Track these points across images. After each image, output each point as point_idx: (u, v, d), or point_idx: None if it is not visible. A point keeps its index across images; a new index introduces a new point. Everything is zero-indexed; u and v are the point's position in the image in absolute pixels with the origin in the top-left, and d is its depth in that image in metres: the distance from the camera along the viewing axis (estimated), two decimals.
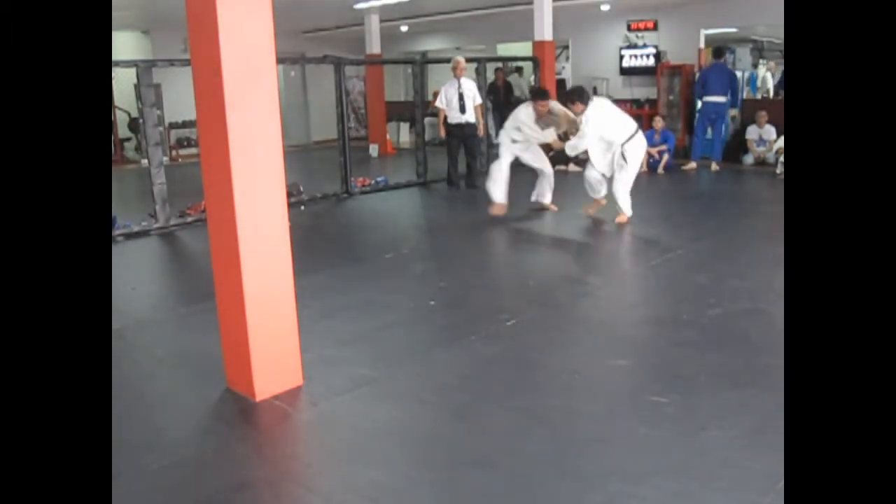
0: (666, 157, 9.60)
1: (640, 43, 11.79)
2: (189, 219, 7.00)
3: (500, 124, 12.81)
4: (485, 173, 9.63)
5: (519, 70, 14.18)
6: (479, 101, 8.57)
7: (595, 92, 10.85)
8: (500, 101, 12.66)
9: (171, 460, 2.64)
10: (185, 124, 12.78)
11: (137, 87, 6.94)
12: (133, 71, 6.82)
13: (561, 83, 12.20)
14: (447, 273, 5.17)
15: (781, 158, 8.84)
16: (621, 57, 11.95)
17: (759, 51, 14.28)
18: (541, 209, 7.00)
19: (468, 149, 8.71)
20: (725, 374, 3.17)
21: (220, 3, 2.70)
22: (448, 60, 9.00)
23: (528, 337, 3.76)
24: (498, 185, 6.74)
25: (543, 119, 6.57)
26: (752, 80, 11.81)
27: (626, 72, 11.93)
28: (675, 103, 11.05)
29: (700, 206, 7.72)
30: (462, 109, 8.39)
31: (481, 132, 8.79)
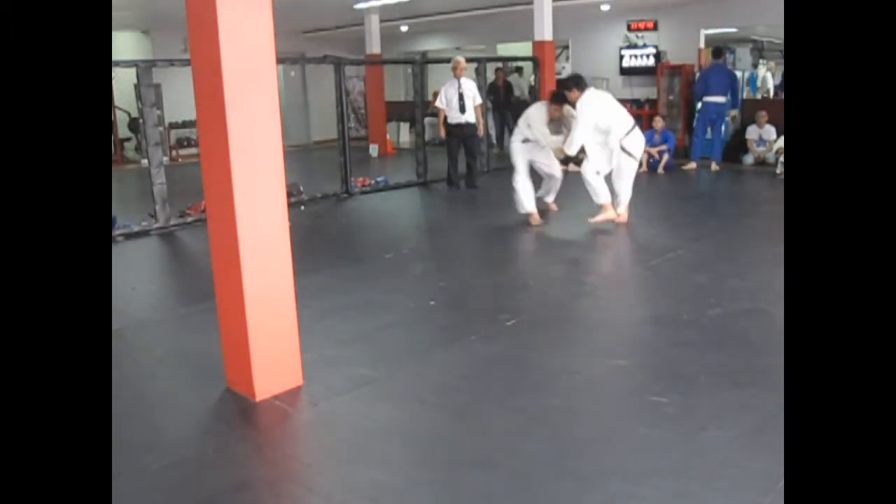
0: (666, 157, 9.60)
1: (640, 43, 11.79)
2: (189, 219, 7.00)
3: (500, 124, 12.92)
4: (485, 173, 9.72)
5: (519, 70, 14.19)
6: (479, 101, 8.57)
7: None
8: (500, 101, 12.68)
9: (171, 460, 2.64)
10: (185, 124, 12.78)
11: (137, 87, 6.94)
12: (133, 71, 6.82)
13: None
14: (447, 273, 5.18)
15: (781, 158, 8.84)
16: (621, 57, 11.96)
17: (759, 51, 14.29)
18: (542, 209, 6.97)
19: (468, 149, 8.70)
20: (725, 374, 3.17)
21: (220, 3, 2.70)
22: (448, 60, 9.00)
23: (528, 337, 3.76)
24: (526, 198, 6.55)
25: (555, 123, 6.50)
26: (752, 80, 11.82)
27: (626, 72, 11.94)
28: (675, 103, 11.06)
29: (700, 206, 7.72)
30: (462, 109, 8.39)
31: (481, 132, 8.79)
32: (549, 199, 6.98)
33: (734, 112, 10.09)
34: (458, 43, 14.88)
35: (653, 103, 11.39)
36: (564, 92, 6.32)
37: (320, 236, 6.74)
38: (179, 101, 11.09)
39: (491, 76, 11.67)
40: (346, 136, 8.56)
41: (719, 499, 2.26)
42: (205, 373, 3.33)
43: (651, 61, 11.56)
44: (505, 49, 15.28)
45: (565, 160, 6.82)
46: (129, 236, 6.56)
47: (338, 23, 13.67)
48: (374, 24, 12.69)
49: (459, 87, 8.37)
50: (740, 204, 7.69)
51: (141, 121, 6.96)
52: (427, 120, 10.19)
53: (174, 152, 12.68)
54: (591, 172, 6.17)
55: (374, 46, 12.77)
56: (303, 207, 7.86)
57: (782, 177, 8.47)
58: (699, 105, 9.87)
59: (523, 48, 12.68)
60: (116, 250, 6.03)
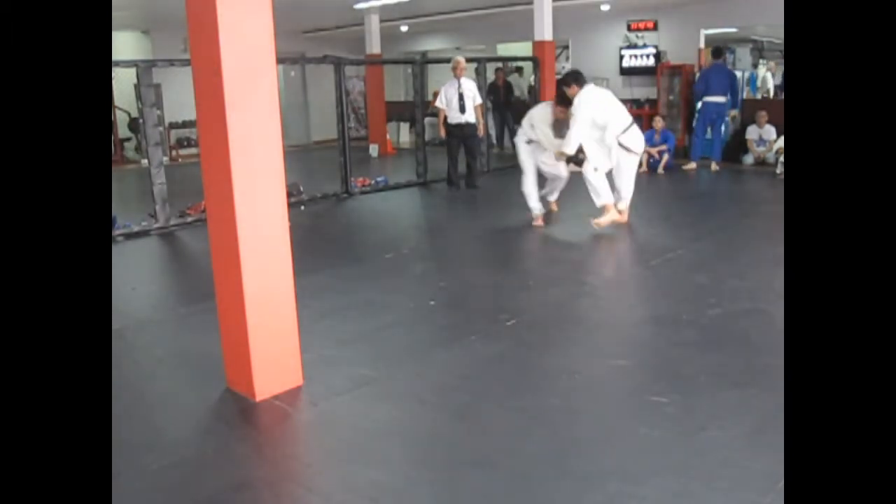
0: (666, 157, 9.61)
1: (640, 43, 11.79)
2: (189, 219, 7.00)
3: (500, 124, 12.93)
4: (485, 173, 9.72)
5: (519, 70, 14.20)
6: (479, 101, 8.57)
7: None
8: (500, 101, 12.68)
9: (171, 460, 2.64)
10: (185, 124, 12.78)
11: (137, 87, 6.94)
12: (133, 71, 6.82)
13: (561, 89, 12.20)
14: (447, 273, 5.18)
15: (781, 158, 8.84)
16: (621, 57, 11.96)
17: (759, 51, 14.29)
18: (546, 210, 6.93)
19: (468, 149, 8.70)
20: (725, 374, 3.17)
21: (220, 3, 2.70)
22: (448, 60, 9.00)
23: (528, 337, 3.76)
24: (533, 200, 6.54)
25: (559, 125, 6.46)
26: (752, 80, 11.83)
27: (626, 72, 11.93)
28: (675, 103, 11.06)
29: (700, 206, 7.72)
30: (462, 109, 8.39)
31: (481, 132, 8.79)
32: (552, 197, 6.94)
33: (734, 112, 10.10)
34: (458, 43, 14.88)
35: (653, 103, 11.39)
36: (564, 88, 6.21)
37: (320, 236, 6.74)
38: (179, 101, 11.10)
39: (491, 76, 11.67)
40: (346, 136, 8.56)
41: (719, 499, 2.26)
42: (205, 373, 3.33)
43: (651, 61, 11.56)
44: (505, 49, 15.28)
45: (567, 160, 6.72)
46: (129, 236, 6.56)
47: (338, 23, 13.67)
48: (374, 24, 12.69)
49: (459, 87, 8.37)
50: (740, 204, 7.69)
51: (141, 121, 6.95)
52: (427, 120, 10.19)
53: (174, 152, 12.68)
54: (590, 170, 6.03)
55: (374, 46, 12.77)
56: (303, 207, 7.86)
57: (782, 177, 8.47)
58: (699, 105, 9.87)
59: (523, 48, 12.69)
60: (116, 250, 6.03)
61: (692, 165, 9.80)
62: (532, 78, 11.39)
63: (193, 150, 12.23)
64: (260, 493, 2.43)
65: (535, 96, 10.85)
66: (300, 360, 3.19)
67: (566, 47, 13.40)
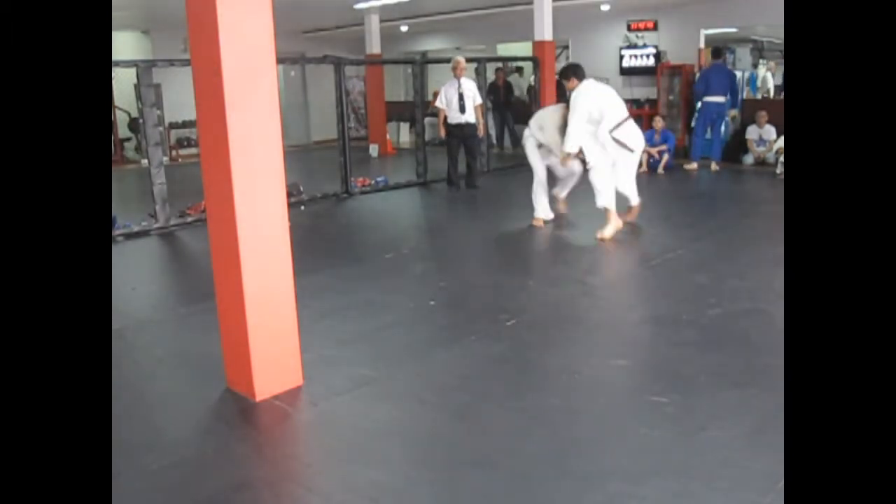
0: (666, 157, 9.61)
1: (640, 43, 11.79)
2: (189, 219, 7.00)
3: (500, 124, 12.92)
4: (485, 173, 9.72)
5: (519, 70, 14.20)
6: (479, 101, 8.57)
7: None
8: (500, 101, 12.68)
9: (171, 460, 2.64)
10: (185, 124, 12.78)
11: (137, 87, 6.94)
12: (133, 71, 6.82)
13: (561, 83, 12.21)
14: (447, 273, 5.18)
15: (781, 158, 8.84)
16: (621, 57, 11.96)
17: (759, 51, 14.29)
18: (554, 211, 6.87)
19: (468, 149, 8.70)
20: (725, 374, 3.17)
21: (220, 3, 2.70)
22: (448, 60, 9.00)
23: (528, 337, 3.76)
24: (539, 200, 6.48)
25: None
26: (752, 80, 11.82)
27: (626, 72, 11.93)
28: (675, 103, 11.06)
29: (700, 206, 7.72)
30: (462, 109, 8.39)
31: (481, 132, 8.79)
32: (562, 194, 6.80)
33: (734, 112, 10.10)
34: (458, 43, 14.88)
35: (653, 103, 11.39)
36: (563, 81, 6.10)
37: (320, 236, 6.74)
38: (179, 101, 11.10)
39: (491, 76, 11.67)
40: (346, 136, 8.56)
41: (719, 499, 2.26)
42: (205, 373, 3.33)
43: (651, 61, 11.56)
44: (505, 49, 15.28)
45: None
46: (129, 236, 6.56)
47: (338, 23, 13.67)
48: (374, 24, 12.69)
49: (459, 87, 8.38)
50: (740, 204, 7.69)
51: (141, 121, 6.95)
52: (427, 120, 10.19)
53: (174, 152, 12.68)
54: (591, 168, 5.90)
55: (374, 46, 12.78)
56: (303, 207, 7.86)
57: (782, 177, 8.47)
58: (699, 105, 9.88)
59: (523, 48, 12.68)
60: (116, 250, 6.03)
61: (693, 165, 9.79)
62: (532, 78, 11.39)
63: (193, 150, 12.23)
64: (260, 493, 2.43)
65: (535, 96, 10.85)
66: (300, 360, 3.19)
67: (566, 47, 13.40)
